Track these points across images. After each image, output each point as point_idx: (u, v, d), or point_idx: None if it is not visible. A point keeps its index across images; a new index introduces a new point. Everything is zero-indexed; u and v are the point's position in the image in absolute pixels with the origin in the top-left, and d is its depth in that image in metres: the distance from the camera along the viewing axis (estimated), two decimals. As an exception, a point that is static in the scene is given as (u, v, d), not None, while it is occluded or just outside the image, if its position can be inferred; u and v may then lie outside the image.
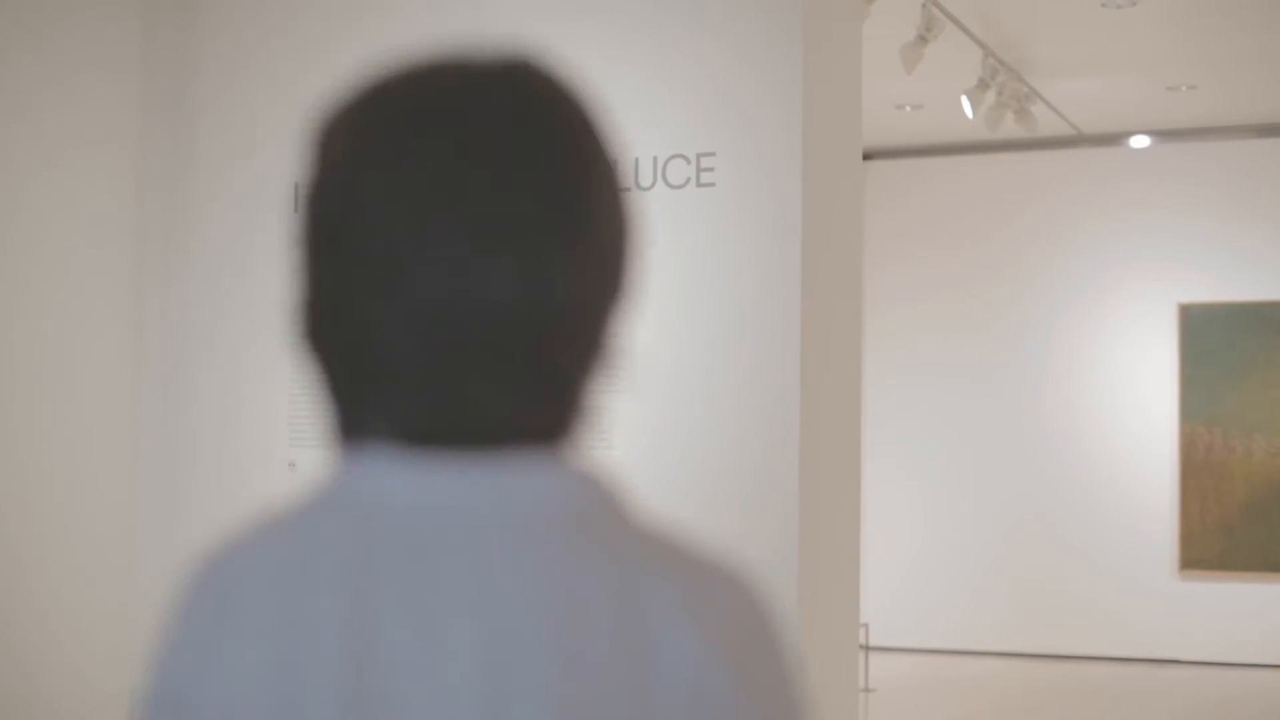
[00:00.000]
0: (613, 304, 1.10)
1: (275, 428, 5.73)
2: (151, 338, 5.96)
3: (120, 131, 5.89)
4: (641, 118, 5.28)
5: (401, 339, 1.05)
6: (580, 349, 1.08)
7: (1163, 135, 10.62)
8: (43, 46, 5.60)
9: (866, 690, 8.55)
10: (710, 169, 5.15)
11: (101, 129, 5.82)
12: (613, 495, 1.09)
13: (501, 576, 1.04)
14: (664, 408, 5.18)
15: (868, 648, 8.51)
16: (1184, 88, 9.49)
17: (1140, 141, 10.71)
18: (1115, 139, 10.72)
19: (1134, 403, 10.53)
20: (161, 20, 6.01)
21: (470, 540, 1.04)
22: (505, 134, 1.05)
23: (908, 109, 10.01)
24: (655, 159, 5.24)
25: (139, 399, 5.92)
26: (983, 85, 8.63)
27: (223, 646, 1.08)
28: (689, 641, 1.04)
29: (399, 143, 1.05)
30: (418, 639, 1.03)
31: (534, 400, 1.07)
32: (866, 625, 8.03)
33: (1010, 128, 9.29)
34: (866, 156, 11.03)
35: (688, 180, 5.19)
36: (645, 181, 5.25)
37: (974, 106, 8.69)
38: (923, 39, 7.68)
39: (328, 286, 1.08)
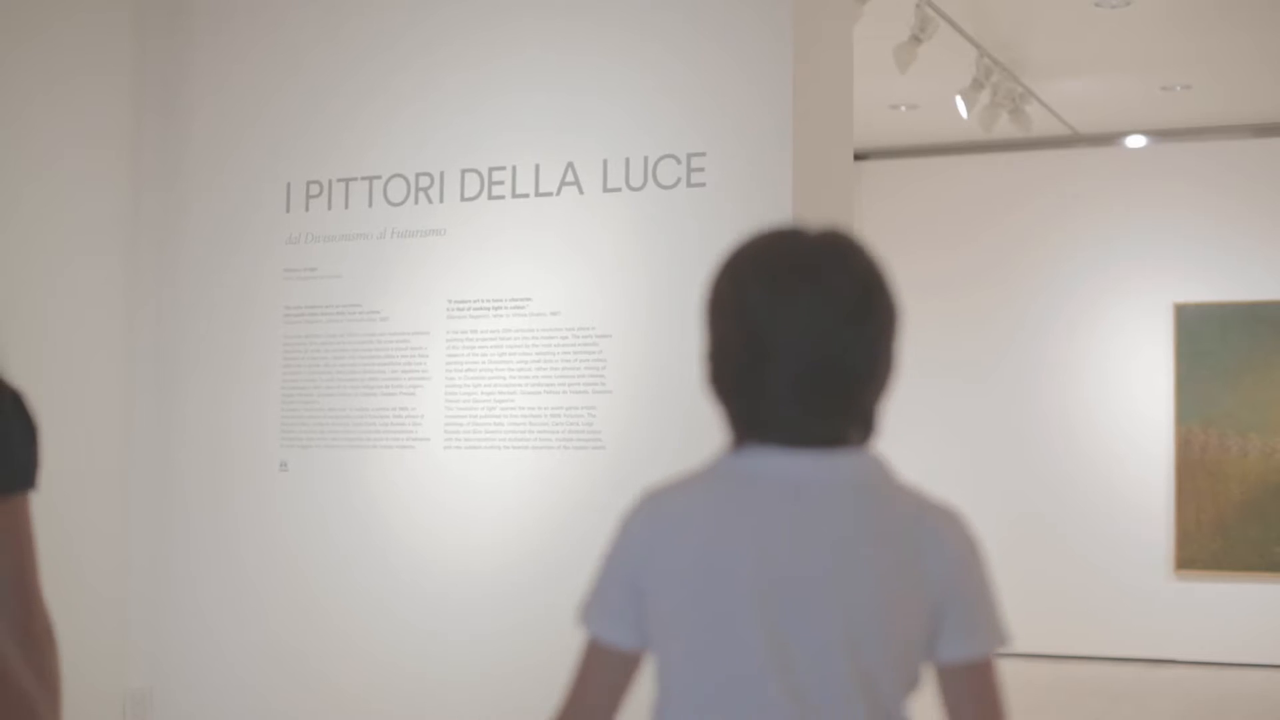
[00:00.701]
0: (894, 365, 1.90)
1: (267, 428, 5.73)
2: (145, 339, 5.97)
3: (113, 135, 5.89)
4: (632, 118, 5.28)
5: (780, 390, 1.84)
6: (878, 393, 1.89)
7: (1158, 135, 10.61)
8: (36, 51, 5.60)
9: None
10: (701, 169, 5.15)
11: (95, 133, 5.83)
12: (891, 470, 1.90)
13: (843, 515, 1.84)
14: (655, 407, 5.18)
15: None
16: (1179, 87, 9.49)
17: (1135, 141, 10.71)
18: (1110, 139, 10.72)
19: (1129, 403, 10.52)
20: (153, 25, 6.02)
21: (820, 495, 1.84)
22: (842, 277, 1.85)
23: (902, 109, 10.02)
24: (646, 159, 5.24)
25: (133, 399, 5.92)
26: (977, 85, 8.62)
27: (663, 550, 1.86)
28: (938, 552, 1.86)
29: (781, 278, 1.85)
30: (795, 551, 1.82)
31: (855, 424, 1.88)
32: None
33: (1005, 127, 9.29)
34: (861, 156, 11.02)
35: (678, 180, 5.19)
36: (636, 182, 5.24)
37: (968, 106, 8.69)
38: (916, 39, 7.68)
39: (735, 355, 1.86)
